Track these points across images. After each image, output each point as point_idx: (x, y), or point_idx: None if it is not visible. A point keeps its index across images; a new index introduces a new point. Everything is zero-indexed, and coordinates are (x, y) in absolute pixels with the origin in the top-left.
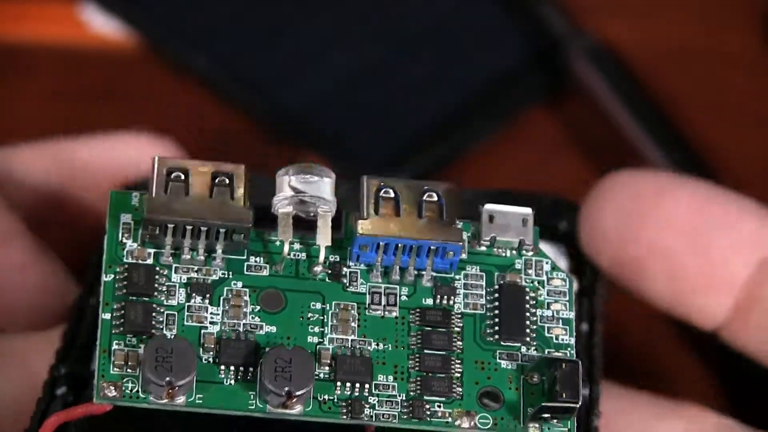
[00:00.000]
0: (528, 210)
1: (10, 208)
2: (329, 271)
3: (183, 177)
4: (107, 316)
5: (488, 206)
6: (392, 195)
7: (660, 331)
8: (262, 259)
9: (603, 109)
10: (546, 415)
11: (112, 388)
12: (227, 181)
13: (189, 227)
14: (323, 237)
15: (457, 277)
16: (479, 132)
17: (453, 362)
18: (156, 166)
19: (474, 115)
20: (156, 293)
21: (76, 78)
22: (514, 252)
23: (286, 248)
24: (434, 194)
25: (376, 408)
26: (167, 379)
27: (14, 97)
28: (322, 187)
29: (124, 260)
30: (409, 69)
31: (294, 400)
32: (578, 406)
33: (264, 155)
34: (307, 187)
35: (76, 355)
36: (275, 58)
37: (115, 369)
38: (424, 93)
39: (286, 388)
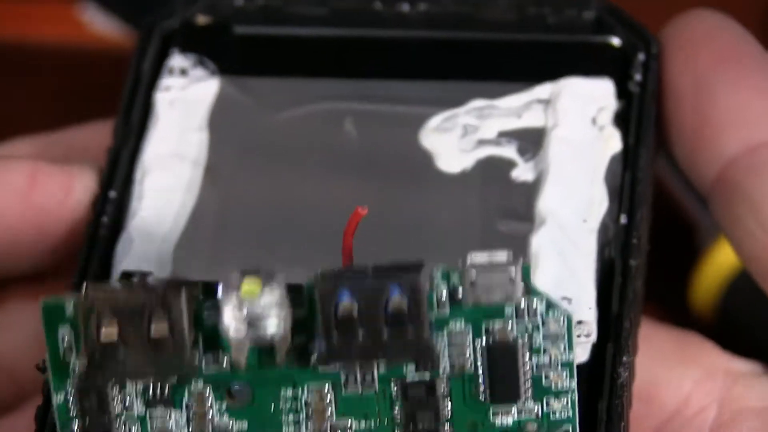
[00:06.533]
0: (512, 266)
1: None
2: (293, 358)
3: (113, 328)
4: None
5: (472, 259)
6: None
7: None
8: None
9: None
10: None
11: None
12: (166, 323)
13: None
14: (281, 344)
15: (439, 334)
16: None
17: (443, 429)
18: (81, 313)
19: None
20: (110, 414)
21: (76, 78)
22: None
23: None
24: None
25: None
26: None
27: (14, 97)
28: (270, 313)
29: (70, 381)
30: None
31: None
32: None
33: None
34: (253, 317)
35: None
36: None
37: None
38: None
39: None
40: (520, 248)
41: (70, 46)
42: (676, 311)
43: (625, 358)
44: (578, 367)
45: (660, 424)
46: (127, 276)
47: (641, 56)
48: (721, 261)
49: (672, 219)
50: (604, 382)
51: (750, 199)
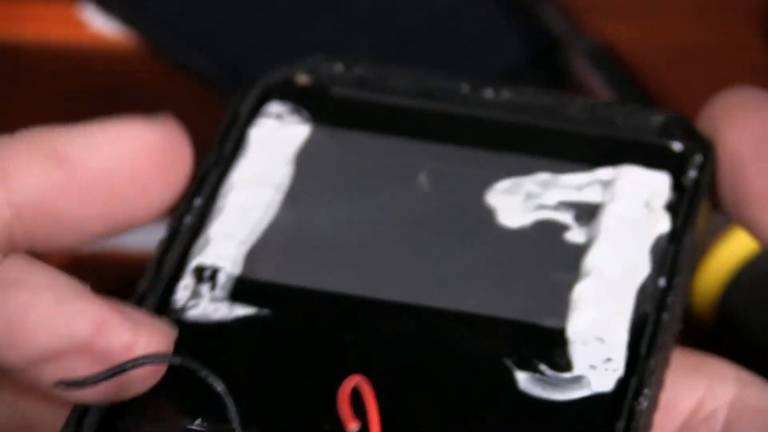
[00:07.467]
0: None
1: None
2: None
3: None
4: None
5: None
6: None
7: None
8: None
9: None
10: None
11: None
12: None
13: None
14: None
15: None
16: None
17: None
18: None
19: None
20: None
21: (76, 78)
22: None
23: None
24: None
25: None
26: None
27: (14, 97)
28: None
29: None
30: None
31: None
32: None
33: None
34: None
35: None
36: (275, 58)
37: None
38: None
39: None
40: (562, 295)
41: (70, 46)
42: None
43: (646, 390)
44: (601, 395)
45: (677, 427)
46: (199, 270)
47: (698, 157)
48: (720, 261)
49: None
50: (623, 407)
51: None
